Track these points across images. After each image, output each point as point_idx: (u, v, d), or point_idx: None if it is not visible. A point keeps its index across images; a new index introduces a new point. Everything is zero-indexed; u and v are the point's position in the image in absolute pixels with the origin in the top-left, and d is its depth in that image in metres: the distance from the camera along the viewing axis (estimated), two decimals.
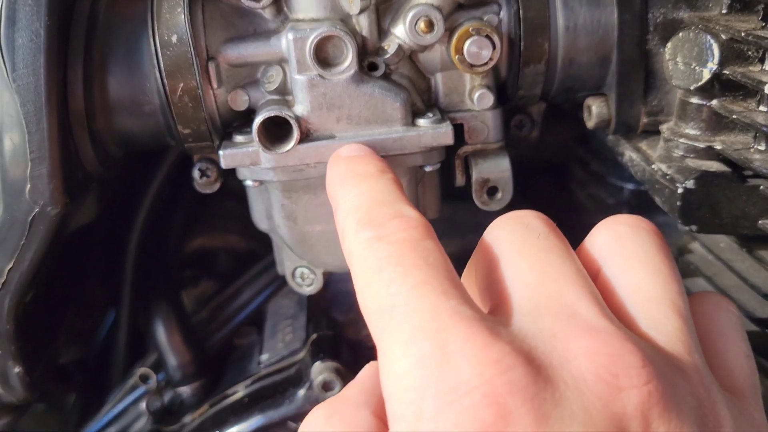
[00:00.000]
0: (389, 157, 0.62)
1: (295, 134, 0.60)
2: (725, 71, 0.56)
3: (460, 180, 0.69)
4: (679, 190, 0.57)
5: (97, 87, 0.62)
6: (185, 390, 0.83)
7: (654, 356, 0.39)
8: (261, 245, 0.89)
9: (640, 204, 0.85)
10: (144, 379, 0.84)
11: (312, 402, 0.75)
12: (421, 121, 0.62)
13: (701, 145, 0.59)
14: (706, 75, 0.57)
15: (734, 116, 0.56)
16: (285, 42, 0.60)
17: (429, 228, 0.45)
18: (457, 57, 0.62)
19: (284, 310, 0.88)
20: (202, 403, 0.81)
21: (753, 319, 0.64)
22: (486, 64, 0.62)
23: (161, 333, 0.83)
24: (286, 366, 0.79)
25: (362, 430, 0.43)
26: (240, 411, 0.77)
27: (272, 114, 0.59)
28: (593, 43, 0.63)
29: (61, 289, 0.77)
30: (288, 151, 0.60)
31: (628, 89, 0.64)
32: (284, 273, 0.73)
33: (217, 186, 0.70)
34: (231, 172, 0.67)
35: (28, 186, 0.58)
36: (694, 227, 0.58)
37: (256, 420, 0.75)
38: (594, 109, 0.66)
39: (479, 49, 0.61)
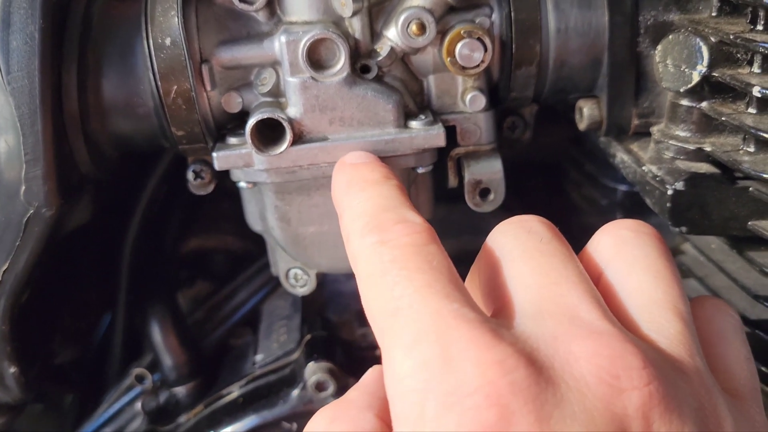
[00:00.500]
0: (381, 159, 0.63)
1: (288, 136, 0.60)
2: (714, 73, 0.56)
3: (452, 181, 0.69)
4: (669, 192, 0.58)
5: (92, 89, 0.62)
6: (180, 390, 0.84)
7: (655, 358, 0.40)
8: (256, 246, 0.89)
9: (634, 205, 0.85)
10: (140, 379, 0.85)
11: (306, 402, 0.75)
12: (414, 123, 0.62)
13: (691, 147, 0.60)
14: (696, 77, 0.57)
15: (723, 118, 0.57)
16: (278, 44, 0.61)
17: (433, 233, 0.46)
18: (449, 59, 0.62)
19: (279, 310, 0.88)
20: (197, 404, 0.81)
21: (744, 321, 0.64)
22: (478, 66, 0.62)
23: (157, 333, 0.83)
24: (281, 366, 0.79)
25: None
26: (234, 411, 0.77)
27: (265, 116, 0.60)
28: (584, 46, 0.64)
29: (57, 290, 0.78)
30: (281, 153, 0.61)
31: (619, 91, 0.64)
32: (278, 274, 0.73)
33: (211, 188, 0.70)
34: (226, 174, 0.67)
35: (23, 188, 0.58)
36: (684, 228, 0.59)
37: (251, 420, 0.76)
38: (585, 110, 0.67)
39: (471, 52, 0.62)
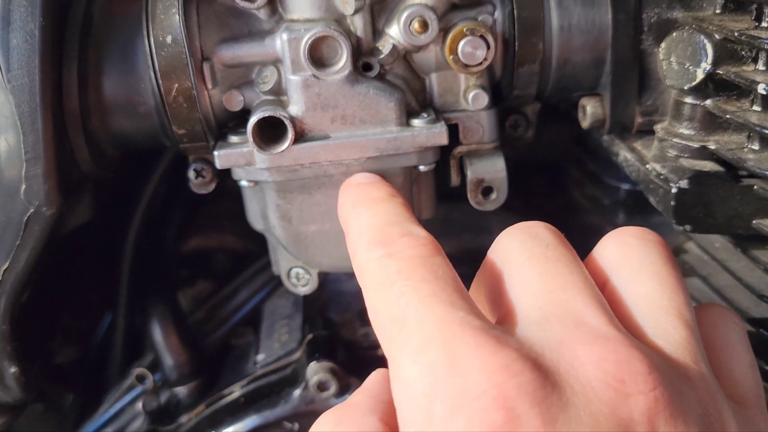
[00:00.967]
0: (383, 158, 0.62)
1: (290, 134, 0.60)
2: (719, 71, 0.56)
3: (455, 180, 0.69)
4: (673, 190, 0.57)
5: (92, 87, 0.62)
6: (182, 390, 0.83)
7: (660, 364, 0.40)
8: (257, 245, 0.89)
9: (637, 204, 0.85)
10: (140, 379, 0.84)
11: (308, 402, 0.75)
12: (416, 121, 0.62)
13: (695, 145, 0.60)
14: (700, 75, 0.57)
15: (728, 116, 0.56)
16: (279, 42, 0.60)
17: (437, 245, 0.47)
18: (451, 57, 0.62)
19: (280, 310, 0.88)
20: (199, 403, 0.80)
21: (748, 319, 0.64)
22: (480, 64, 0.62)
23: (158, 333, 0.83)
24: (282, 366, 0.79)
25: None
26: (236, 411, 0.77)
27: (267, 114, 0.59)
28: (588, 43, 0.63)
29: (58, 290, 0.78)
30: (283, 151, 0.60)
31: (622, 89, 0.64)
32: (279, 273, 0.73)
33: (212, 186, 0.70)
34: (227, 173, 0.67)
35: (23, 186, 0.58)
36: (688, 227, 0.58)
37: (252, 420, 0.75)
38: (589, 109, 0.66)
39: (473, 49, 0.61)
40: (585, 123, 0.67)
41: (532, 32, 0.63)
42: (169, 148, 0.72)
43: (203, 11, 0.61)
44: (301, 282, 0.72)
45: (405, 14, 0.60)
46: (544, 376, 0.37)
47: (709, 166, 0.59)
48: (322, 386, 0.74)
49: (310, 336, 0.79)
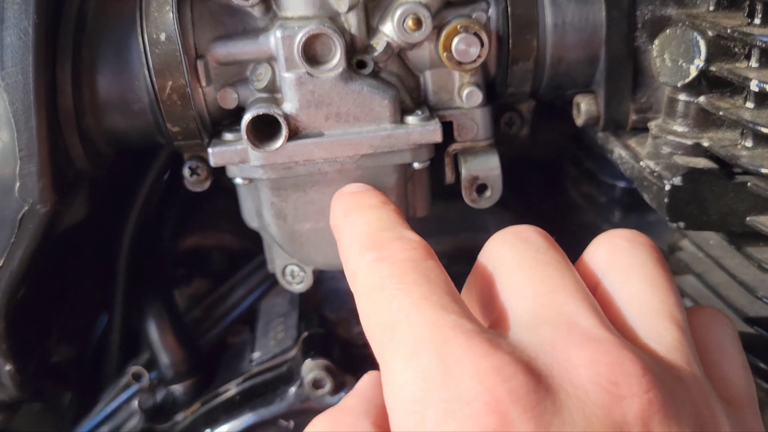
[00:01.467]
0: (377, 155, 0.63)
1: (284, 132, 0.60)
2: (712, 68, 0.56)
3: (449, 177, 0.69)
4: (667, 187, 0.57)
5: (87, 85, 0.62)
6: (177, 388, 0.84)
7: (653, 365, 0.40)
8: (254, 244, 0.89)
9: (632, 202, 0.85)
10: (137, 377, 0.85)
11: (303, 400, 0.75)
12: (410, 119, 0.62)
13: (689, 142, 0.59)
14: (693, 72, 0.57)
15: (721, 113, 0.56)
16: (273, 40, 0.61)
17: (429, 249, 0.46)
18: (445, 54, 0.62)
19: (277, 308, 0.88)
20: (194, 401, 0.80)
21: (742, 317, 0.64)
22: (474, 61, 0.62)
23: (154, 331, 0.83)
24: (278, 364, 0.79)
25: None
26: (231, 409, 0.77)
27: (261, 112, 0.59)
28: (582, 41, 0.63)
29: (53, 288, 0.78)
30: (277, 149, 0.60)
31: (616, 86, 0.64)
32: (275, 271, 0.73)
33: (207, 184, 0.70)
34: (224, 171, 0.67)
35: (18, 184, 0.58)
36: (681, 224, 0.58)
37: (248, 418, 0.75)
38: (583, 106, 0.66)
39: (467, 47, 0.61)
40: (579, 120, 0.67)
41: (526, 29, 0.63)
42: (164, 146, 0.72)
43: (197, 9, 0.61)
44: (296, 280, 0.72)
45: (399, 11, 0.60)
46: (536, 380, 0.37)
47: (702, 163, 0.58)
48: (317, 384, 0.74)
49: (305, 334, 0.79)
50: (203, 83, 0.62)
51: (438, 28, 0.62)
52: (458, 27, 0.61)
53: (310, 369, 0.74)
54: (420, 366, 0.38)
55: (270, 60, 0.62)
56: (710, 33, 0.55)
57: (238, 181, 0.66)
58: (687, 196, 0.57)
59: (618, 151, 0.66)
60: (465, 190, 0.67)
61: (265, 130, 0.61)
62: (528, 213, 0.90)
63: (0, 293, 0.63)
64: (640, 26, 0.62)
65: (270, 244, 0.73)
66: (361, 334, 0.83)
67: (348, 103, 0.61)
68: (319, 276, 0.75)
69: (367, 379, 0.50)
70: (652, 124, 0.63)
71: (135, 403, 0.85)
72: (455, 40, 0.61)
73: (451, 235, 0.86)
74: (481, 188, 0.67)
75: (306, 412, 0.75)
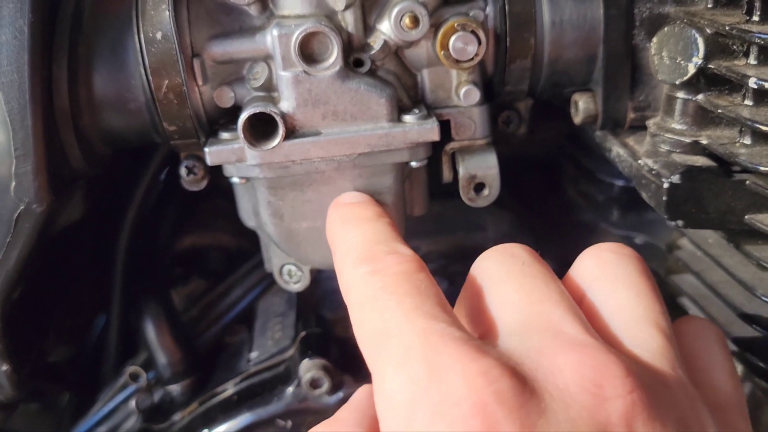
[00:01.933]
0: (375, 153, 0.62)
1: (281, 131, 0.60)
2: (710, 65, 0.56)
3: (447, 176, 0.69)
4: (665, 185, 0.57)
5: (83, 84, 0.61)
6: (175, 388, 0.83)
7: (637, 369, 0.40)
8: (251, 243, 0.89)
9: (631, 200, 0.85)
10: (134, 377, 0.84)
11: (300, 399, 0.75)
12: (407, 117, 0.62)
13: (687, 140, 0.59)
14: (692, 69, 0.56)
15: (719, 111, 0.56)
16: (270, 38, 0.60)
17: (421, 263, 0.48)
18: (442, 53, 0.62)
19: (274, 307, 0.88)
20: (192, 401, 0.80)
21: (741, 315, 0.64)
22: (472, 59, 0.62)
23: (151, 331, 0.83)
24: (275, 364, 0.79)
25: None
26: (229, 409, 0.77)
27: (257, 110, 0.59)
28: (579, 39, 0.63)
29: (50, 288, 0.77)
30: (273, 147, 0.60)
31: (614, 84, 0.64)
32: (272, 270, 0.73)
33: (204, 183, 0.69)
34: (221, 171, 0.67)
35: (13, 183, 0.58)
36: (680, 222, 0.58)
37: (245, 418, 0.75)
38: (581, 104, 0.66)
39: (465, 45, 0.61)
40: (577, 119, 0.67)
41: (524, 28, 0.63)
42: (161, 145, 0.71)
43: (193, 7, 0.61)
44: (293, 279, 0.72)
45: (396, 10, 0.60)
46: (522, 383, 0.38)
47: (701, 161, 0.58)
48: (314, 383, 0.74)
49: (303, 333, 0.79)
50: (200, 82, 0.62)
51: (435, 27, 0.62)
52: (455, 25, 0.61)
53: (308, 369, 0.74)
54: (410, 372, 0.40)
55: (267, 59, 0.62)
56: (708, 30, 0.55)
57: (235, 180, 0.66)
58: (685, 194, 0.57)
59: (616, 150, 0.66)
60: (463, 189, 0.67)
61: (261, 128, 0.60)
62: (526, 212, 0.90)
63: None
64: (638, 24, 0.62)
65: (267, 243, 0.73)
66: None
67: (345, 101, 0.61)
68: (317, 276, 0.75)
69: (361, 392, 0.51)
70: (650, 122, 0.63)
71: (132, 403, 0.84)
72: (452, 39, 0.61)
73: (449, 234, 0.86)
74: (479, 187, 0.67)
75: (303, 411, 0.75)
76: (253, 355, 0.82)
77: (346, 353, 0.79)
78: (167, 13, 0.59)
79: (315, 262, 0.70)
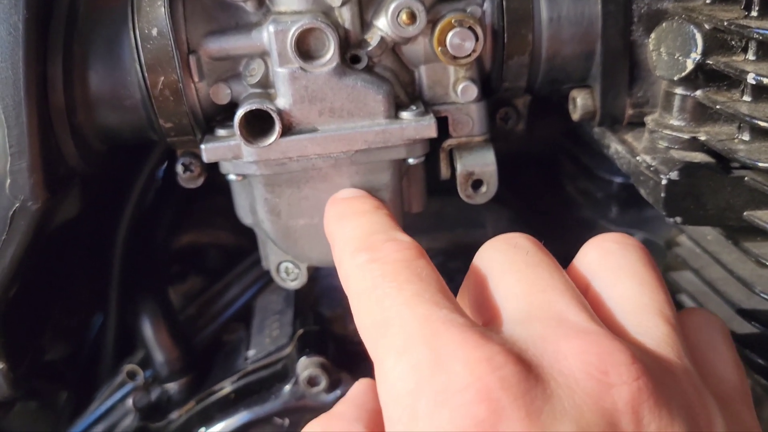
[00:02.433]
0: (372, 150, 0.62)
1: (277, 127, 0.60)
2: (709, 61, 0.55)
3: (445, 173, 0.68)
4: (663, 182, 0.57)
5: (78, 81, 0.61)
6: (172, 386, 0.83)
7: (643, 356, 0.40)
8: (249, 241, 0.88)
9: (629, 197, 0.85)
10: (131, 375, 0.84)
11: (298, 397, 0.74)
12: (405, 114, 0.62)
13: (686, 137, 0.59)
14: (690, 65, 0.56)
15: (718, 107, 0.56)
16: (266, 35, 0.60)
17: (421, 250, 0.48)
18: (440, 49, 0.61)
19: (272, 305, 0.88)
20: (189, 400, 0.80)
21: (739, 311, 0.64)
22: (469, 55, 0.62)
23: (148, 329, 0.83)
24: (273, 362, 0.78)
25: None
26: (226, 407, 0.76)
27: (254, 107, 0.59)
28: (577, 35, 0.63)
29: (47, 286, 0.77)
30: (270, 144, 0.60)
31: (612, 81, 0.64)
32: (269, 268, 0.73)
33: (200, 181, 0.69)
34: (218, 168, 0.67)
35: (8, 181, 0.58)
36: (678, 219, 0.58)
37: (242, 416, 0.75)
38: (579, 101, 0.66)
39: (462, 41, 0.61)
40: (575, 115, 0.67)
41: (521, 24, 0.62)
42: (157, 142, 0.71)
43: (189, 4, 0.61)
44: (291, 276, 0.72)
45: (393, 6, 0.60)
46: (527, 369, 0.38)
47: (699, 157, 0.58)
48: (312, 381, 0.74)
49: (300, 331, 0.79)
50: (196, 78, 0.62)
51: (432, 23, 0.61)
52: (453, 21, 0.61)
53: (306, 366, 0.74)
54: (412, 359, 0.39)
55: (263, 55, 0.62)
56: (707, 26, 0.55)
57: (232, 177, 0.65)
58: (684, 190, 0.57)
59: (614, 146, 0.65)
60: (460, 185, 0.67)
61: (258, 125, 0.60)
62: (524, 209, 0.90)
63: None
64: (636, 20, 0.62)
65: (264, 240, 0.72)
66: (357, 331, 0.83)
67: (342, 98, 0.60)
68: (315, 273, 0.75)
69: (359, 386, 0.51)
70: (648, 119, 0.63)
71: (129, 401, 0.84)
72: (450, 35, 0.61)
73: (448, 231, 0.86)
74: (477, 184, 0.67)
75: (301, 409, 0.75)
76: (251, 353, 0.82)
77: (344, 351, 0.78)
78: (163, 9, 0.59)
79: (312, 260, 0.70)
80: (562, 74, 0.66)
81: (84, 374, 0.94)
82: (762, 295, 0.60)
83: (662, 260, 0.76)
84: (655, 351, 0.42)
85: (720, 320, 0.52)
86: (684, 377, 0.41)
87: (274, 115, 0.59)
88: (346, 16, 0.60)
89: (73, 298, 0.87)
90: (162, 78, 0.60)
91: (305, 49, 0.59)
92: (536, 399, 0.37)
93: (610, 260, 0.49)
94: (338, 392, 0.74)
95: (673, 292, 0.73)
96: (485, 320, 0.46)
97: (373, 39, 0.61)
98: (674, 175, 0.57)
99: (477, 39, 0.61)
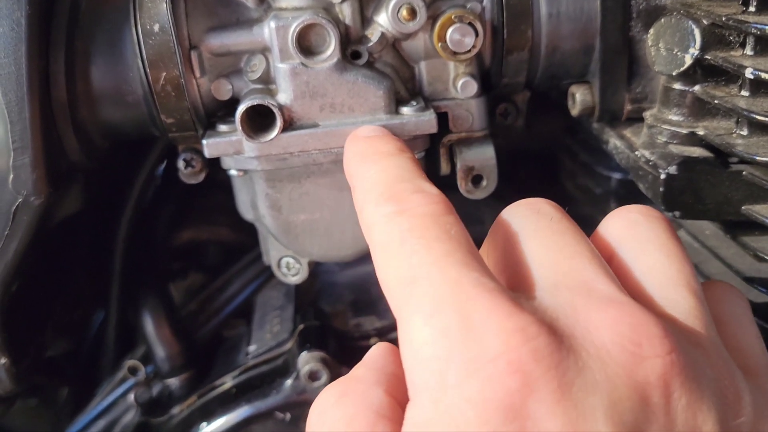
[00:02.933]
0: None
1: (278, 123, 0.60)
2: (707, 56, 0.56)
3: (445, 168, 0.69)
4: (662, 176, 0.57)
5: (80, 77, 0.61)
6: (173, 382, 0.83)
7: (674, 329, 0.39)
8: (250, 238, 0.89)
9: (628, 194, 0.85)
10: (132, 371, 0.84)
11: (299, 392, 0.75)
12: (405, 110, 0.62)
13: (684, 131, 0.59)
14: (688, 60, 0.57)
15: (716, 101, 0.56)
16: (267, 30, 0.60)
17: (449, 204, 0.45)
18: (440, 45, 0.62)
19: (273, 301, 0.88)
20: (190, 395, 0.80)
21: None
22: (469, 51, 0.62)
23: (149, 325, 0.83)
24: (274, 357, 0.79)
25: (375, 408, 0.42)
26: (227, 402, 0.77)
27: (255, 103, 0.59)
28: (576, 31, 0.63)
29: (48, 281, 0.77)
30: (271, 139, 0.60)
31: (611, 76, 0.64)
32: (270, 263, 0.73)
33: (202, 176, 0.70)
34: (219, 165, 0.67)
35: (11, 176, 0.58)
36: (677, 213, 0.58)
37: (244, 411, 0.75)
38: (578, 96, 0.66)
39: (462, 37, 0.61)
40: (574, 111, 0.67)
41: (521, 19, 0.63)
42: (159, 138, 0.71)
43: (191, 0, 0.61)
44: (292, 271, 0.72)
45: (393, 2, 0.60)
46: (559, 341, 0.37)
47: (698, 152, 0.58)
48: (313, 376, 0.74)
49: (301, 326, 0.79)
50: (197, 74, 0.62)
51: (432, 18, 0.62)
52: (453, 17, 0.61)
53: (306, 361, 0.74)
54: (442, 324, 0.38)
55: (264, 51, 0.62)
56: (705, 21, 0.55)
57: (233, 172, 0.66)
58: (682, 185, 0.57)
59: (613, 141, 0.66)
60: (460, 180, 0.67)
61: (259, 121, 0.61)
62: None
63: None
64: (635, 16, 0.62)
65: (265, 236, 0.73)
66: (358, 326, 0.84)
67: (342, 93, 0.61)
68: (315, 269, 0.75)
69: (377, 349, 0.48)
70: (647, 114, 0.63)
71: (131, 397, 0.84)
72: (450, 30, 0.61)
73: None
74: (477, 179, 0.67)
75: (302, 404, 0.75)
76: (252, 348, 0.82)
77: (345, 346, 0.79)
78: (165, 5, 0.59)
79: (313, 255, 0.70)
80: (561, 70, 0.66)
81: (84, 370, 0.94)
82: (760, 289, 0.61)
83: None
84: (683, 323, 0.41)
85: (739, 292, 0.51)
86: (712, 350, 0.41)
87: (276, 111, 0.60)
88: (346, 12, 0.61)
89: (74, 294, 0.87)
90: (164, 73, 0.60)
91: (306, 44, 0.60)
92: (568, 371, 0.36)
93: (636, 231, 0.47)
94: None
95: None
96: (510, 285, 0.44)
97: (373, 35, 0.62)
98: (673, 169, 0.57)
99: (477, 35, 0.61)
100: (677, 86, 0.59)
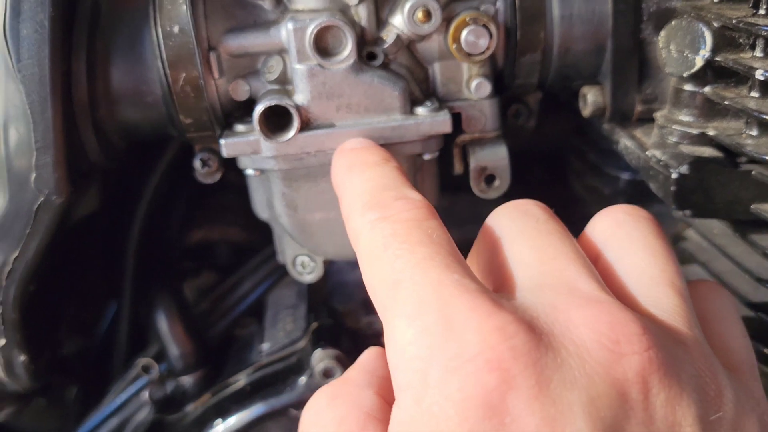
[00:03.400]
0: (388, 146, 0.63)
1: (296, 123, 0.61)
2: (717, 58, 0.57)
3: (458, 168, 0.70)
4: (673, 176, 0.58)
5: (101, 78, 0.62)
6: (187, 379, 0.84)
7: (653, 327, 0.40)
8: (261, 237, 0.90)
9: (636, 193, 0.85)
10: (146, 369, 0.85)
11: (313, 389, 0.74)
12: (420, 110, 0.63)
13: (695, 132, 0.60)
14: (699, 62, 0.57)
15: (726, 102, 0.57)
16: (285, 32, 0.61)
17: (432, 209, 0.47)
18: (454, 46, 0.63)
19: (285, 300, 0.89)
20: (204, 392, 0.81)
21: (747, 304, 0.65)
22: (483, 53, 0.63)
23: (163, 323, 0.84)
24: (287, 354, 0.79)
25: (366, 409, 0.44)
26: (242, 399, 0.77)
27: (273, 103, 0.60)
28: (588, 32, 0.64)
29: (63, 280, 0.78)
30: (289, 139, 0.61)
31: (622, 78, 0.65)
32: (285, 261, 0.74)
33: (218, 176, 0.70)
34: (231, 166, 0.68)
35: (33, 175, 0.59)
36: (688, 212, 0.59)
37: (258, 408, 0.76)
38: (589, 97, 0.67)
39: (476, 39, 0.62)
40: (586, 111, 0.68)
41: (534, 21, 0.64)
42: (174, 139, 0.72)
43: (209, 2, 0.62)
44: (307, 270, 0.73)
45: (408, 4, 0.61)
46: (538, 338, 0.38)
47: (708, 152, 0.59)
48: (327, 373, 0.75)
49: (314, 324, 0.80)
50: (216, 75, 0.63)
51: (447, 20, 0.63)
52: (467, 19, 0.62)
53: (321, 359, 0.75)
54: (424, 324, 0.39)
55: (281, 52, 0.63)
56: (716, 24, 0.56)
57: (250, 172, 0.67)
58: (693, 184, 0.58)
59: (624, 142, 0.66)
60: (473, 180, 0.68)
61: (276, 121, 0.61)
62: None
63: (15, 284, 0.63)
64: (646, 18, 0.63)
65: (280, 234, 0.73)
66: (370, 324, 0.85)
67: (359, 94, 0.62)
68: (327, 268, 0.76)
69: (369, 352, 0.50)
70: (657, 115, 0.64)
71: (145, 394, 0.85)
72: (464, 32, 0.62)
73: (457, 228, 0.87)
74: (490, 179, 0.68)
75: None
76: (265, 346, 0.83)
77: (358, 344, 0.79)
78: (184, 7, 0.60)
79: (328, 253, 0.71)
80: (573, 71, 0.67)
81: (94, 368, 0.95)
82: None
83: None
84: (665, 322, 0.42)
85: (726, 292, 0.52)
86: (694, 348, 0.41)
87: (293, 111, 0.60)
88: (362, 14, 0.62)
89: (88, 292, 0.88)
90: (183, 74, 0.61)
91: (323, 46, 0.61)
92: (546, 368, 0.37)
93: (621, 231, 0.48)
94: None
95: None
96: (495, 286, 0.45)
97: (388, 36, 0.63)
98: (684, 169, 0.58)
99: (491, 36, 0.62)
100: (688, 87, 0.60)
